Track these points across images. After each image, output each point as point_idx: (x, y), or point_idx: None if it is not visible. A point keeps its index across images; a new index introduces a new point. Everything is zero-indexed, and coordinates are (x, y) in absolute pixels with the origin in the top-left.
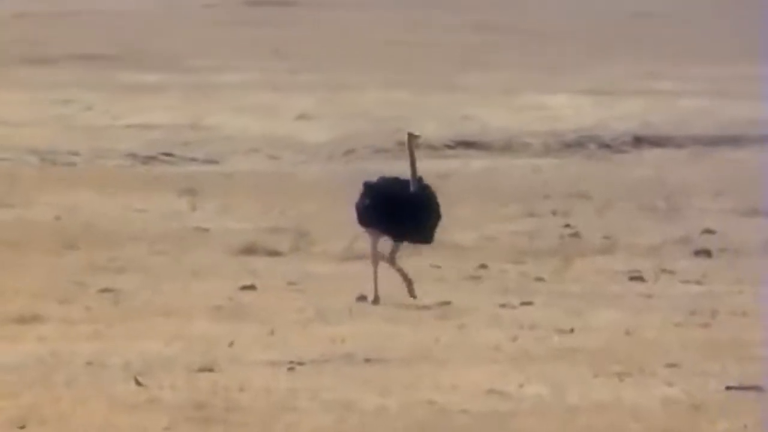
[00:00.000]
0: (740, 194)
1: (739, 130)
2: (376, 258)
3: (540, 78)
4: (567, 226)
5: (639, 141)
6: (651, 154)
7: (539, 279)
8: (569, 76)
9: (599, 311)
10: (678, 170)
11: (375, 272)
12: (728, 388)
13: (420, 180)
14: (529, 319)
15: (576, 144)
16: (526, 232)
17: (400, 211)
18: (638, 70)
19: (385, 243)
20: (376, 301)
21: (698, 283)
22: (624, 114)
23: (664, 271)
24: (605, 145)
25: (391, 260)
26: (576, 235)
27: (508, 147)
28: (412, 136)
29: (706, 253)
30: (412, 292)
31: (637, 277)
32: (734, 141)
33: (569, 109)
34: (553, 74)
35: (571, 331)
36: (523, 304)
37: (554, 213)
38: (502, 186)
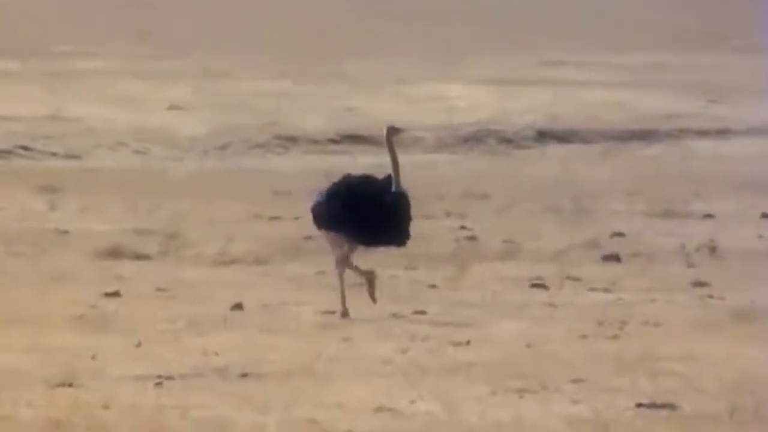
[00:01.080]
0: (653, 194)
1: (653, 124)
2: (343, 265)
3: (434, 66)
4: (463, 228)
5: (543, 135)
6: (556, 150)
7: (432, 286)
8: (467, 63)
9: (498, 322)
10: (586, 168)
11: (342, 282)
12: (639, 405)
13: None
14: (421, 329)
15: (473, 138)
16: (419, 235)
17: (375, 213)
18: (543, 58)
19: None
20: (345, 314)
21: (606, 290)
22: (527, 106)
23: (569, 277)
24: (506, 140)
25: (349, 263)
26: (473, 238)
27: (399, 141)
28: (392, 130)
29: (616, 258)
30: (373, 295)
31: (539, 285)
32: (647, 136)
33: (466, 100)
34: (449, 62)
35: (468, 343)
36: (415, 313)
37: (449, 214)
38: None
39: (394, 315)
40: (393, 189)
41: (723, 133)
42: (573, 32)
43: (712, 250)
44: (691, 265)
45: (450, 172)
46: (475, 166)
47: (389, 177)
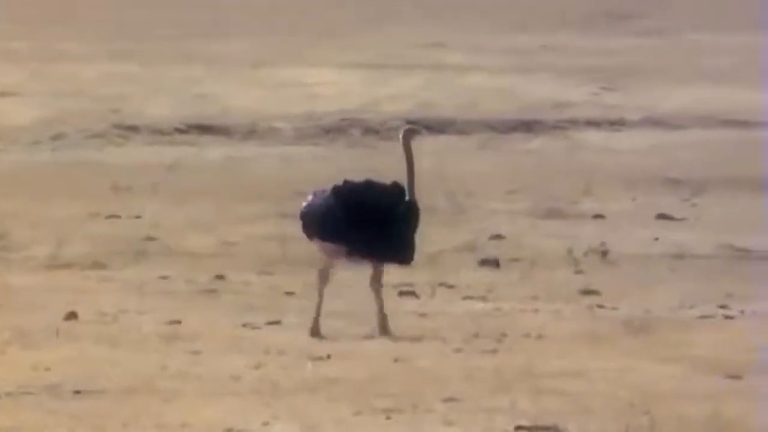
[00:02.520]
0: (537, 192)
1: (538, 113)
2: (325, 279)
3: (294, 48)
4: None
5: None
6: (429, 141)
7: (289, 293)
8: (331, 45)
9: (363, 334)
10: (462, 162)
11: (321, 297)
12: (519, 428)
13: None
14: (276, 342)
15: (337, 129)
16: (274, 236)
17: (383, 224)
18: (417, 40)
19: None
20: (315, 332)
21: (484, 299)
22: (397, 93)
23: (442, 284)
24: (372, 131)
25: (377, 286)
26: None
27: (253, 132)
28: (410, 132)
29: (494, 263)
30: (386, 330)
31: (409, 292)
32: (531, 127)
33: (330, 87)
34: (312, 43)
35: (328, 357)
36: (270, 323)
37: None
38: (244, 179)
39: (245, 325)
40: (407, 198)
41: (616, 123)
42: (450, 11)
43: (603, 254)
44: (578, 271)
45: (311, 166)
46: (338, 160)
47: (395, 184)
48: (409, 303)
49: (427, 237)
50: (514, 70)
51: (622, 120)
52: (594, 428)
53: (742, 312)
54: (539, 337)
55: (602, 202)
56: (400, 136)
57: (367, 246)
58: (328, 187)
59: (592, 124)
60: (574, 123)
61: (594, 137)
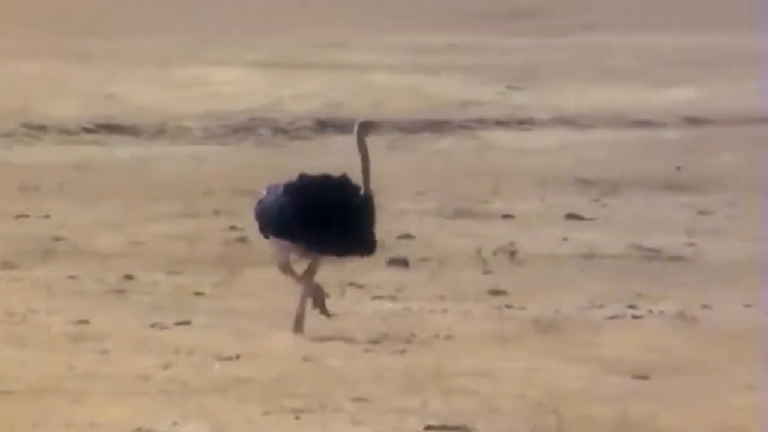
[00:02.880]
0: (445, 192)
1: (446, 113)
2: (291, 271)
3: (198, 47)
4: (233, 228)
5: (323, 125)
6: (337, 141)
7: (198, 293)
8: (235, 44)
9: (272, 333)
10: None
11: (304, 294)
12: (428, 428)
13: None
14: (185, 342)
15: (244, 129)
16: (183, 236)
17: (339, 218)
18: (322, 39)
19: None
20: (299, 327)
21: (393, 299)
22: (304, 92)
23: (351, 284)
24: (281, 130)
25: (308, 281)
26: (244, 240)
27: (162, 131)
28: (364, 125)
29: (403, 262)
30: (300, 326)
31: None
32: (439, 127)
33: (237, 86)
34: (215, 42)
35: (237, 357)
36: (179, 324)
37: (217, 213)
38: (153, 179)
39: (154, 325)
40: (362, 191)
41: (524, 123)
42: (356, 9)
43: (512, 254)
44: (487, 271)
45: (218, 166)
46: (247, 160)
47: (344, 177)
48: None
49: None
50: (420, 69)
51: (530, 119)
52: (502, 428)
53: (650, 312)
54: (448, 337)
55: (511, 202)
56: (355, 130)
57: (325, 242)
58: (281, 182)
59: (501, 123)
60: (482, 123)
61: (502, 137)
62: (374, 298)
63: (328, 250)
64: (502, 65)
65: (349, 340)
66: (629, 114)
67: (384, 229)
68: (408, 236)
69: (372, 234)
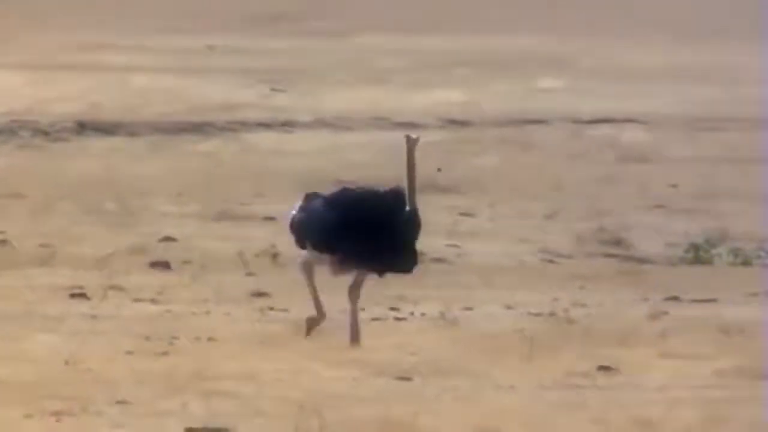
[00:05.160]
0: (207, 194)
1: (208, 115)
2: (310, 272)
3: None
4: None
5: (83, 127)
6: (98, 143)
7: None
8: None
9: (33, 336)
10: (131, 164)
11: (313, 289)
12: (189, 430)
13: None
14: None
15: (6, 131)
16: None
17: (386, 233)
18: (84, 41)
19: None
20: (355, 338)
21: (154, 301)
22: (65, 94)
23: (113, 287)
24: (42, 132)
25: (356, 295)
26: (5, 242)
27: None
28: (411, 140)
29: (165, 265)
30: (357, 338)
31: (80, 294)
32: (201, 129)
33: None
34: None
35: None
36: None
37: None
38: None
39: None
40: (408, 207)
41: (286, 125)
42: (116, 12)
43: (274, 256)
44: (249, 273)
45: None
46: (8, 162)
47: (395, 191)
48: (80, 305)
49: (97, 239)
50: (181, 71)
51: (292, 121)
52: (264, 430)
53: (412, 314)
54: (210, 339)
55: (273, 204)
56: (405, 143)
57: (369, 256)
58: (322, 193)
59: (263, 125)
60: (244, 125)
61: (265, 139)
62: (136, 300)
63: (371, 266)
64: (265, 67)
65: (111, 342)
66: (390, 116)
67: (145, 231)
68: (170, 239)
69: (414, 250)
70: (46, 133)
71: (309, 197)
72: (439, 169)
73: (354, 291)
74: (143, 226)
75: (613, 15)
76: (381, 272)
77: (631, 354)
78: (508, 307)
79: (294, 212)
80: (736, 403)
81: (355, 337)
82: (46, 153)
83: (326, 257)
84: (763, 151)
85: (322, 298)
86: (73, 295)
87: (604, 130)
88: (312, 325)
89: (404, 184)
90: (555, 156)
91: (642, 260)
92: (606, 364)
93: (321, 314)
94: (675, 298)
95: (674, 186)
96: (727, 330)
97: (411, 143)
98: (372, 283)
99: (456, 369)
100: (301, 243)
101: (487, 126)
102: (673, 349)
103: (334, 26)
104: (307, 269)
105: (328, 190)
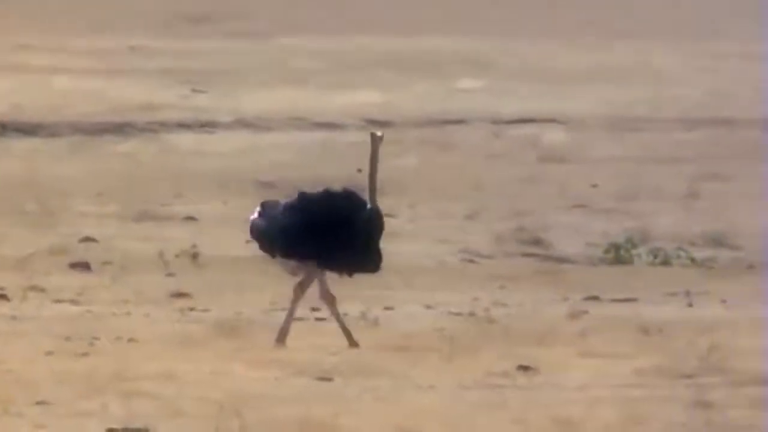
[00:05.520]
0: (128, 195)
1: (128, 116)
2: (300, 294)
3: None
4: None
5: (4, 128)
6: (19, 144)
7: None
8: None
9: None
10: (52, 164)
11: (292, 311)
12: (110, 431)
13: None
14: None
15: None
16: None
17: (347, 234)
18: (5, 42)
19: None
20: (282, 339)
21: (74, 302)
22: None
23: (33, 288)
24: None
25: (330, 297)
26: None
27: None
28: (376, 137)
29: (85, 266)
30: (352, 341)
31: (0, 296)
32: (121, 129)
33: None
34: None
35: None
36: None
37: None
38: None
39: None
40: (368, 205)
41: (206, 126)
42: (37, 13)
43: (194, 257)
44: (170, 274)
45: None
46: None
47: (347, 191)
48: (0, 306)
49: (17, 240)
50: (102, 71)
51: (213, 122)
52: (184, 431)
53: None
54: (131, 340)
55: (194, 204)
56: (370, 140)
57: (335, 259)
58: (282, 201)
59: (184, 126)
60: (165, 125)
61: (185, 140)
62: (56, 301)
63: (338, 268)
64: (186, 68)
65: (31, 343)
66: (310, 116)
67: (66, 232)
68: (90, 239)
69: (378, 249)
70: None
71: (266, 205)
72: (359, 170)
73: (299, 289)
74: (63, 227)
75: (534, 15)
76: (350, 273)
77: (551, 353)
78: (429, 307)
79: (254, 219)
80: (656, 402)
81: (282, 337)
82: None
83: (294, 264)
84: (684, 151)
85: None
86: None
87: (525, 130)
88: (283, 333)
89: (358, 184)
90: (475, 156)
91: (562, 260)
92: (526, 363)
93: (285, 334)
94: (595, 298)
95: (595, 186)
96: (647, 329)
97: (376, 141)
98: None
99: (376, 369)
100: (268, 251)
101: (406, 127)
102: (592, 349)
103: (255, 28)
104: (300, 290)
105: (245, 191)
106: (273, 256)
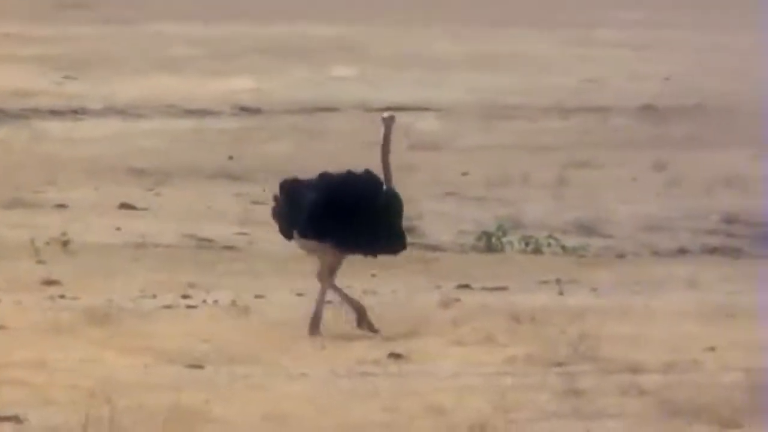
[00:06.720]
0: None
1: (0, 103)
2: (326, 280)
3: None
4: None
5: None
6: None
7: None
8: None
9: None
10: None
11: (322, 299)
12: None
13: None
14: None
15: None
16: None
17: (368, 216)
18: None
19: None
20: (315, 329)
21: None
22: None
23: None
24: None
25: (330, 281)
26: None
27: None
28: (389, 119)
29: None
30: (370, 325)
31: None
32: None
33: None
34: None
35: None
36: None
37: None
38: None
39: None
40: (384, 187)
41: (77, 112)
42: None
43: (65, 244)
44: (40, 261)
45: None
46: None
47: (369, 173)
48: None
49: None
50: None
51: (84, 109)
52: (54, 418)
53: (204, 302)
54: (1, 327)
55: (65, 191)
56: (382, 123)
57: (357, 240)
58: (302, 181)
59: (55, 113)
60: (36, 112)
61: (56, 127)
62: None
63: (363, 249)
64: (59, 55)
65: None
66: (182, 103)
67: None
68: None
69: (401, 229)
70: None
71: (285, 184)
72: (230, 157)
73: (324, 275)
74: None
75: (409, 3)
76: (374, 254)
77: (423, 342)
78: (300, 295)
79: (275, 197)
80: (527, 390)
81: (315, 327)
82: None
83: (313, 244)
84: (556, 139)
85: (118, 284)
86: None
87: (398, 118)
88: (361, 317)
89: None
90: (347, 144)
91: (434, 248)
92: (398, 351)
93: (359, 306)
94: (466, 286)
95: (466, 174)
96: (518, 318)
97: (388, 123)
98: (167, 270)
99: (248, 357)
100: (286, 232)
101: (278, 114)
102: (464, 337)
103: (128, 14)
104: (325, 276)
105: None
106: (289, 238)
